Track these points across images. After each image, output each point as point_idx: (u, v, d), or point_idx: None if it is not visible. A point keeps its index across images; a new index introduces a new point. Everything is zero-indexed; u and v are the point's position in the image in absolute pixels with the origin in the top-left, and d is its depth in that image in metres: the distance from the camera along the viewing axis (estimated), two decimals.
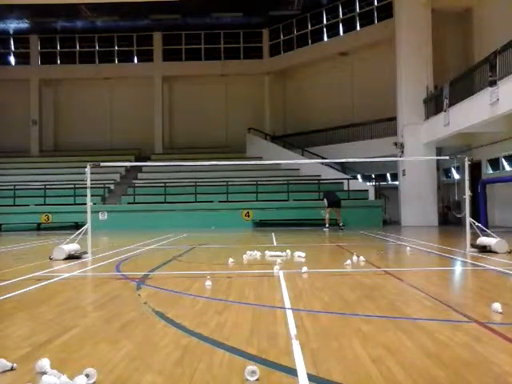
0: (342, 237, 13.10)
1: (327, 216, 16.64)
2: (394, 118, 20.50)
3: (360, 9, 24.38)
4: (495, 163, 17.46)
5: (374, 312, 3.82)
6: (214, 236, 14.38)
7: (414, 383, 2.33)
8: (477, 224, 8.17)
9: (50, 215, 19.79)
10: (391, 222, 20.58)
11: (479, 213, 14.24)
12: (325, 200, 16.75)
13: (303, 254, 7.86)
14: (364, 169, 23.88)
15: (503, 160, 16.91)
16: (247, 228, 18.62)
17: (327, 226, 16.36)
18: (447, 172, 21.68)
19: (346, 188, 20.15)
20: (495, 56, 12.92)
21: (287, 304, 4.14)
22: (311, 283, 5.31)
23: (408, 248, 9.03)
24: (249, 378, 2.38)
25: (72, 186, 20.30)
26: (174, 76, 28.70)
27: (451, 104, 15.88)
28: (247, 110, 28.01)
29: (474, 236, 8.53)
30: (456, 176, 19.35)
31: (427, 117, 18.48)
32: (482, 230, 8.39)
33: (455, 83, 16.21)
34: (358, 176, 24.16)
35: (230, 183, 20.84)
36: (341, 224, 16.61)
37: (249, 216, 19.45)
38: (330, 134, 24.32)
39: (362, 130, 22.94)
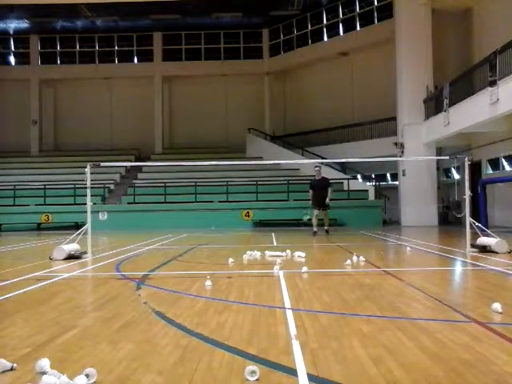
0: (341, 237, 13.09)
1: (314, 220, 13.78)
2: (393, 118, 20.50)
3: (360, 9, 24.38)
4: (495, 163, 17.47)
5: (374, 312, 3.82)
6: (214, 236, 14.38)
7: (413, 383, 2.33)
8: (477, 224, 8.17)
9: (50, 215, 19.79)
10: (391, 222, 20.58)
11: (479, 213, 14.23)
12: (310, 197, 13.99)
13: (303, 254, 7.86)
14: (364, 169, 23.87)
15: (503, 160, 16.92)
16: (247, 228, 18.61)
17: (315, 230, 13.56)
18: (447, 172, 21.69)
19: (346, 188, 20.17)
20: (495, 56, 12.92)
21: (287, 304, 4.14)
22: (311, 283, 5.31)
23: (408, 248, 9.02)
24: (249, 377, 2.38)
25: (72, 185, 20.30)
26: (174, 76, 28.71)
27: (451, 104, 15.88)
28: (247, 110, 28.00)
29: (474, 236, 8.53)
30: (456, 176, 19.35)
31: (427, 117, 18.48)
32: (481, 230, 8.39)
33: (455, 83, 16.21)
34: (358, 176, 24.16)
35: (230, 183, 20.84)
36: (325, 227, 13.88)
37: (249, 216, 19.45)
38: (330, 133, 24.32)
39: (361, 130, 22.94)
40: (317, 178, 13.96)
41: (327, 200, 13.58)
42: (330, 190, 13.66)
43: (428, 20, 18.65)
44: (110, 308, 4.13)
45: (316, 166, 14.27)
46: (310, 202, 13.87)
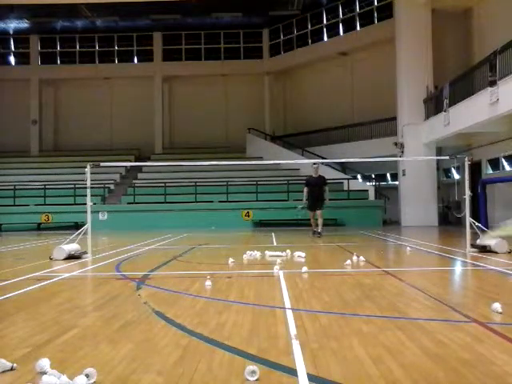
0: (341, 237, 13.09)
1: (312, 220, 13.38)
2: (394, 118, 20.50)
3: (360, 9, 24.39)
4: (495, 163, 17.47)
5: (374, 312, 3.82)
6: (214, 236, 14.38)
7: (413, 383, 2.33)
8: (477, 224, 8.17)
9: (50, 215, 19.79)
10: (391, 222, 20.58)
11: (479, 213, 14.23)
12: (304, 197, 13.33)
13: (303, 254, 7.86)
14: (364, 169, 23.88)
15: (503, 160, 16.92)
16: (247, 228, 18.61)
17: (314, 229, 13.19)
18: (447, 172, 21.68)
19: (346, 188, 20.17)
20: (495, 56, 12.93)
21: (287, 304, 4.14)
22: (311, 283, 5.31)
23: (408, 248, 9.02)
24: (249, 378, 2.37)
25: (72, 185, 20.31)
26: (173, 76, 28.72)
27: (451, 104, 15.88)
28: (247, 110, 28.01)
29: (474, 236, 8.53)
30: (456, 176, 19.35)
31: (427, 117, 18.48)
32: (481, 230, 8.39)
33: (455, 83, 16.22)
34: (358, 176, 24.17)
35: (230, 183, 20.84)
36: (319, 229, 12.98)
37: (249, 216, 19.45)
38: (330, 133, 24.32)
39: (361, 130, 22.95)
40: (314, 175, 13.33)
41: (325, 197, 13.05)
42: (326, 188, 13.17)
43: (428, 20, 18.66)
44: (110, 308, 4.13)
45: (314, 163, 13.76)
46: (304, 199, 13.27)
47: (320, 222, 13.11)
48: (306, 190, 13.23)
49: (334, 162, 21.54)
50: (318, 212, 13.04)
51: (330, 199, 13.32)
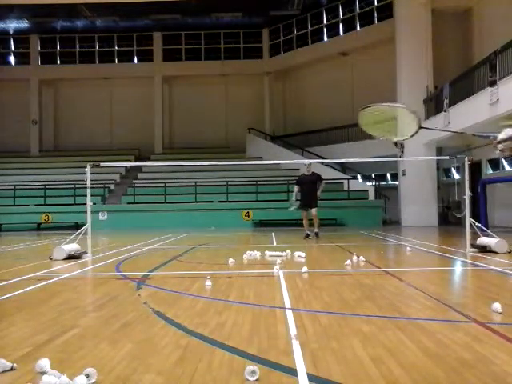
0: (341, 237, 13.08)
1: (304, 221, 12.42)
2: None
3: (360, 9, 24.38)
4: (495, 163, 17.47)
5: (374, 312, 3.82)
6: (214, 236, 14.38)
7: (413, 383, 2.33)
8: (477, 224, 8.17)
9: (50, 215, 19.79)
10: (391, 222, 20.58)
11: (479, 213, 14.23)
12: (293, 196, 12.69)
13: (303, 254, 7.86)
14: (364, 169, 23.87)
15: (503, 160, 16.91)
16: (247, 228, 18.61)
17: (307, 232, 12.12)
18: (447, 172, 21.68)
19: (346, 188, 20.17)
20: (495, 56, 12.93)
21: (287, 304, 4.14)
22: (311, 283, 5.31)
23: (408, 248, 9.02)
24: (249, 377, 2.37)
25: (72, 185, 20.31)
26: (174, 76, 28.72)
27: (451, 104, 15.87)
28: (247, 110, 28.02)
29: (474, 236, 8.53)
30: (456, 176, 19.35)
31: (427, 117, 18.46)
32: (481, 230, 8.38)
33: (455, 83, 16.21)
34: (358, 176, 24.16)
35: (230, 183, 20.84)
36: (315, 230, 12.31)
37: (249, 216, 19.44)
38: (330, 133, 24.32)
39: (361, 129, 22.89)
40: (306, 173, 12.56)
41: (318, 193, 12.19)
42: (322, 184, 12.34)
43: (428, 20, 18.65)
44: (110, 308, 4.13)
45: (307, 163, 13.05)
46: (294, 198, 12.58)
47: (316, 222, 12.46)
48: (296, 188, 12.57)
49: (334, 162, 21.53)
50: (313, 212, 12.33)
51: (322, 192, 12.46)
